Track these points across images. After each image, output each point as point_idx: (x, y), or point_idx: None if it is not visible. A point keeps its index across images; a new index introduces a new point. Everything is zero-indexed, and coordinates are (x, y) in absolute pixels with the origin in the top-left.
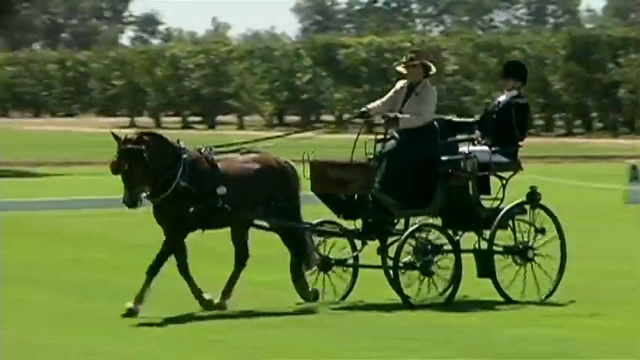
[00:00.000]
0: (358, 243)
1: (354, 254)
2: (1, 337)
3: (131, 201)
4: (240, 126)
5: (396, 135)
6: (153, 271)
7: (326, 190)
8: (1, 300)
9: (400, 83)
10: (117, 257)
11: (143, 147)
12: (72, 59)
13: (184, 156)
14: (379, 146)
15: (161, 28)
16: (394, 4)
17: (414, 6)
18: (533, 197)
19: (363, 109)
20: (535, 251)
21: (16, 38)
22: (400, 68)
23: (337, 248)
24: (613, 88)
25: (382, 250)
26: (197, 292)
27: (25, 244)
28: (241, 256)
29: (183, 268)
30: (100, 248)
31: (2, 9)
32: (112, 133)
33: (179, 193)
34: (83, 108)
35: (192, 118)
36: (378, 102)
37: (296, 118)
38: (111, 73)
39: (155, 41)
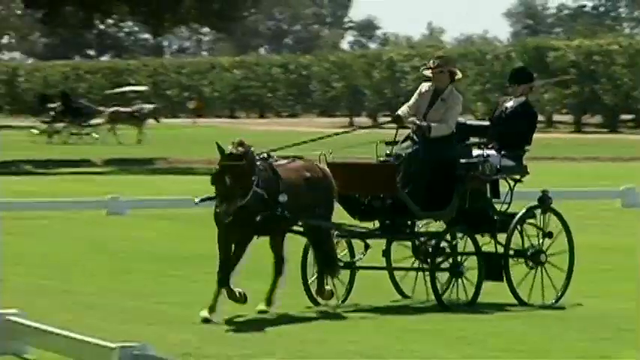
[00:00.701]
0: (361, 245)
1: (358, 257)
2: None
3: (227, 215)
4: None
5: (415, 138)
6: (222, 282)
7: (347, 190)
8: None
9: (424, 86)
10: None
11: (245, 162)
12: (295, 63)
13: (259, 164)
14: (394, 148)
15: (379, 32)
16: (602, 9)
17: (622, 10)
18: (544, 201)
19: (397, 113)
20: (548, 255)
21: (244, 43)
22: (427, 72)
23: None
24: None
25: (387, 252)
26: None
27: None
28: (280, 265)
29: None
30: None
31: (229, 16)
32: (217, 144)
33: (253, 203)
34: (305, 108)
35: None
36: (404, 107)
37: None
38: (331, 76)
39: (373, 45)
